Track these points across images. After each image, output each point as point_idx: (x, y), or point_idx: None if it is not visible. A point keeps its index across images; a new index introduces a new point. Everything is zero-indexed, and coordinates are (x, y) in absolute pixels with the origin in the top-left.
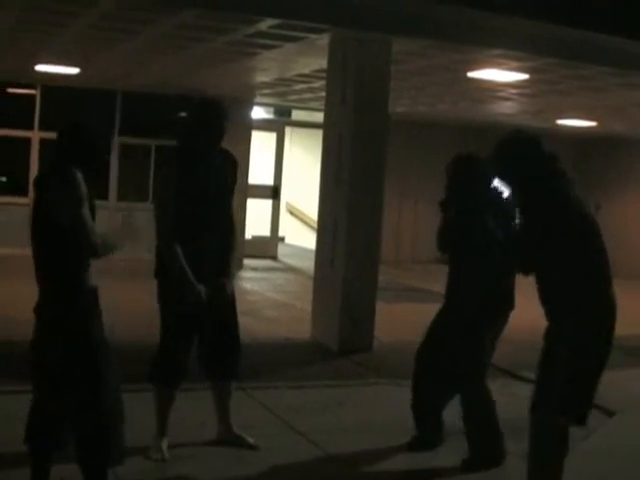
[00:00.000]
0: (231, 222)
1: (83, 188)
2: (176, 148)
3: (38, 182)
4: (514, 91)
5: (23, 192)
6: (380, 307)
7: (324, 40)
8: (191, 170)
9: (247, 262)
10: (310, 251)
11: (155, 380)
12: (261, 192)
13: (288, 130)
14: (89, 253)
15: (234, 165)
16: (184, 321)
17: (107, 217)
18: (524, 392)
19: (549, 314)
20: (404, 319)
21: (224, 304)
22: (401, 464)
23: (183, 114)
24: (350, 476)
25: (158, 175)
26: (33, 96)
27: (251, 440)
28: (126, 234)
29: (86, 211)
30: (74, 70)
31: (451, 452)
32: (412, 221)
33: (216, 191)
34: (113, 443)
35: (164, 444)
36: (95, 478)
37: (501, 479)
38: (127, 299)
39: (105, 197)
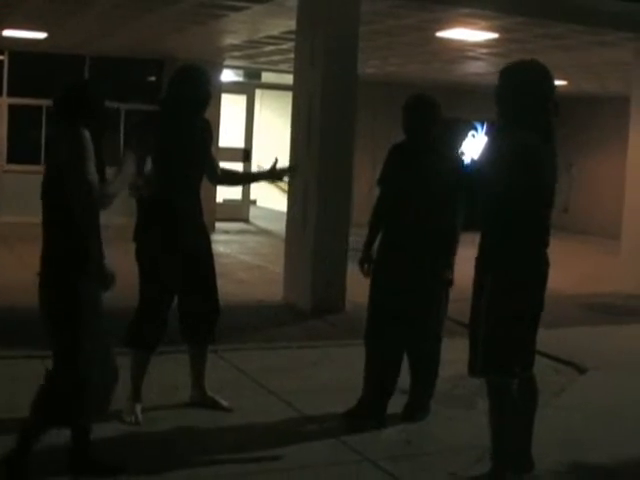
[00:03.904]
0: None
1: (90, 147)
2: (158, 114)
3: (47, 150)
4: (484, 51)
5: None
6: (352, 268)
7: (292, 1)
8: (175, 136)
9: (219, 225)
10: (282, 213)
11: (133, 344)
12: (232, 155)
13: (258, 92)
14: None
15: (210, 129)
16: (163, 282)
17: None
18: None
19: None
20: None
21: (203, 265)
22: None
23: (152, 78)
24: (324, 436)
25: (131, 137)
26: (1, 62)
27: (225, 402)
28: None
29: (92, 168)
30: (42, 35)
31: None
32: None
33: (196, 155)
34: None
35: (137, 407)
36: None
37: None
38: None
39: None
